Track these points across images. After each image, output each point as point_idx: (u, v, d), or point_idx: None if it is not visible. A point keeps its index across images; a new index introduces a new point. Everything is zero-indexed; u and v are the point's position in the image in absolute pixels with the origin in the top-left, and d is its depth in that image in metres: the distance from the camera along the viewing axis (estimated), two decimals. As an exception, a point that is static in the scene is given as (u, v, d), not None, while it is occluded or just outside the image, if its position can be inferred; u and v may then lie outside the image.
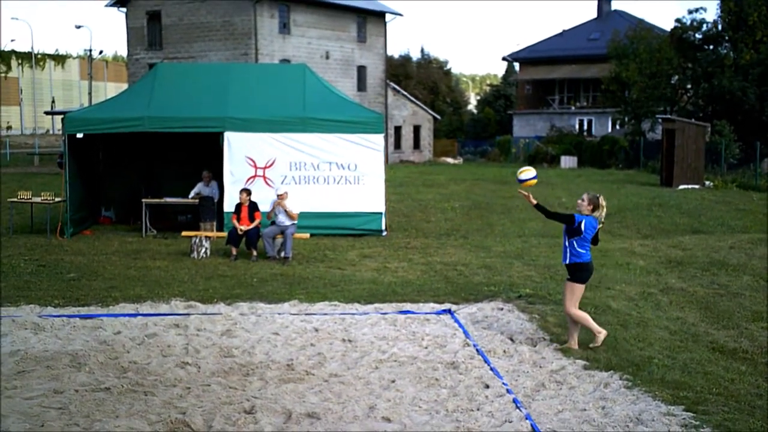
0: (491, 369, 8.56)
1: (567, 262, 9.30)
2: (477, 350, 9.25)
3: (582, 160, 49.80)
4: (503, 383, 8.09)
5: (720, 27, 45.64)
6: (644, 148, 45.68)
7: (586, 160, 49.52)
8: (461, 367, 8.60)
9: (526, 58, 65.48)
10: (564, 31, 67.03)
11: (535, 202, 9.45)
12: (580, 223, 9.10)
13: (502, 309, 11.28)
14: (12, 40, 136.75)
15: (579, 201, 9.28)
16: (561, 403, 7.58)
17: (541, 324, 10.47)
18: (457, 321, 10.59)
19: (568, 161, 49.77)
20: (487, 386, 8.02)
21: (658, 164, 36.82)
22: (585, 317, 9.40)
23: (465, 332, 10.01)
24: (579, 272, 9.24)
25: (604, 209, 9.28)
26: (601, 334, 9.35)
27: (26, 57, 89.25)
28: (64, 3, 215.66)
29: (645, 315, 11.08)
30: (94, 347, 9.21)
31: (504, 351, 9.25)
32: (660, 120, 39.57)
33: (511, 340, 9.72)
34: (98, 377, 8.17)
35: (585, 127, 61.03)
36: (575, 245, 9.16)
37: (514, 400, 7.61)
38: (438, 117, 65.30)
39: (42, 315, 10.63)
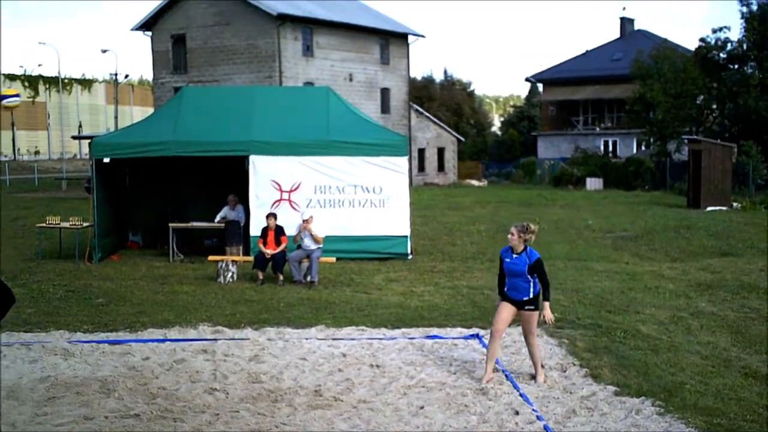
0: (521, 395, 8.50)
1: (532, 296, 8.95)
2: (506, 376, 9.19)
3: (608, 181, 49.53)
4: (533, 410, 8.03)
5: (745, 46, 45.39)
6: (670, 169, 45.40)
7: (612, 181, 49.24)
8: (490, 393, 8.55)
9: (550, 78, 65.44)
10: (587, 51, 66.98)
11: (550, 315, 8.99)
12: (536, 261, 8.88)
13: (530, 334, 11.19)
14: (39, 65, 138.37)
15: (509, 236, 8.99)
16: (593, 430, 7.50)
17: (570, 349, 10.38)
18: (485, 346, 10.49)
19: (593, 183, 49.55)
20: (517, 413, 7.96)
21: (685, 185, 36.56)
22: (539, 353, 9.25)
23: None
24: (537, 300, 9.00)
25: (534, 235, 9.01)
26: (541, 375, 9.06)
27: (53, 81, 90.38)
28: (90, 27, 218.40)
29: (676, 339, 10.96)
30: (123, 373, 9.25)
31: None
32: (686, 141, 39.35)
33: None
34: (127, 403, 8.20)
35: (610, 148, 60.81)
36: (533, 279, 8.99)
37: (545, 427, 7.54)
38: (462, 139, 65.27)
39: (71, 341, 10.69)
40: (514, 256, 8.94)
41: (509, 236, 8.92)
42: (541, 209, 32.75)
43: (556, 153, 60.88)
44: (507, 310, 9.05)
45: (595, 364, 9.59)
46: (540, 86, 70.51)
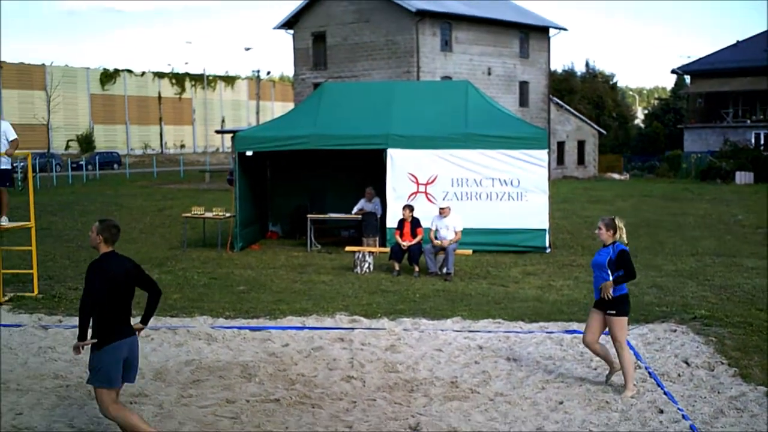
0: (665, 393, 8.17)
1: (617, 294, 8.21)
2: (650, 373, 8.85)
3: (759, 176, 47.26)
4: (678, 408, 7.70)
5: None
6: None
7: (764, 176, 46.95)
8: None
9: (698, 70, 62.90)
10: (738, 42, 64.05)
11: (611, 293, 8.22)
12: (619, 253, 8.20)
13: (675, 331, 10.77)
14: (186, 63, 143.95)
15: (596, 231, 8.36)
16: (742, 431, 7.12)
17: (718, 348, 9.91)
18: (627, 342, 10.16)
19: (743, 177, 47.40)
20: (662, 411, 7.65)
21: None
22: (631, 360, 8.45)
23: (636, 354, 9.61)
24: (623, 304, 8.27)
25: (623, 231, 8.34)
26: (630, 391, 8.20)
27: (199, 79, 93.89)
28: (234, 27, 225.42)
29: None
30: (264, 359, 9.44)
31: (678, 375, 8.82)
32: None
33: (686, 363, 9.25)
34: (268, 388, 8.36)
35: (762, 141, 57.96)
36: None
37: (692, 427, 7.22)
38: (603, 132, 63.76)
39: (214, 326, 11.00)
40: (602, 249, 8.33)
41: (597, 231, 8.34)
42: (687, 203, 31.61)
43: (704, 146, 58.52)
44: (593, 317, 8.41)
45: (744, 363, 9.13)
46: (687, 78, 67.92)
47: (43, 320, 11.35)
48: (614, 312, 8.21)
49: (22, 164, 37.02)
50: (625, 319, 8.30)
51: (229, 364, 9.17)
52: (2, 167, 12.91)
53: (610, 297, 8.16)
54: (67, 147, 78.29)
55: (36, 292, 13.03)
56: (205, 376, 8.75)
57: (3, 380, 8.53)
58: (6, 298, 12.48)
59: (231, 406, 7.82)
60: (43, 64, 79.70)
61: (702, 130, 61.00)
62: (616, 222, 8.29)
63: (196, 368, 9.04)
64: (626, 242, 8.36)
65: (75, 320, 11.33)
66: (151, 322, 11.09)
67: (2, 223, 12.73)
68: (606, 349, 8.54)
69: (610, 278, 8.14)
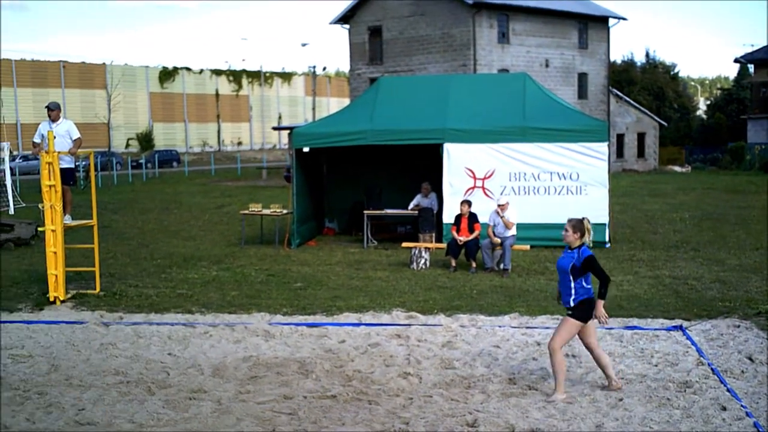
0: (728, 390, 7.98)
1: (578, 300, 7.87)
2: (712, 369, 8.66)
3: (826, 167, 46.08)
4: (742, 405, 7.51)
5: None
6: None
7: (830, 166, 45.76)
8: (695, 386, 8.09)
9: (762, 59, 61.37)
10: (803, 29, 62.44)
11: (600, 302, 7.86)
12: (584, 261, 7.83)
13: (738, 326, 10.51)
14: (243, 60, 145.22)
15: (563, 232, 7.95)
16: (811, 431, 6.93)
17: (784, 344, 9.67)
18: (689, 338, 9.98)
19: (809, 168, 46.22)
20: (725, 408, 7.48)
21: None
22: (562, 367, 7.97)
23: (698, 350, 9.42)
24: (585, 309, 7.88)
25: (591, 233, 7.96)
26: (562, 395, 7.87)
27: (255, 75, 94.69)
28: (290, 22, 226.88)
29: None
30: (321, 355, 9.46)
31: (742, 371, 8.61)
32: None
33: (750, 359, 9.02)
34: (325, 384, 8.37)
35: (829, 131, 56.41)
36: (583, 282, 7.90)
37: (755, 424, 7.04)
38: (664, 123, 62.72)
39: (272, 322, 11.06)
40: (568, 252, 7.97)
41: (563, 232, 7.93)
42: (750, 196, 30.92)
43: (768, 137, 57.22)
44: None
45: (812, 360, 8.87)
46: (751, 67, 66.41)
47: (104, 317, 11.53)
48: (571, 313, 7.90)
49: (84, 163, 37.85)
50: (578, 324, 7.90)
51: (286, 361, 9.21)
52: (66, 166, 13.16)
53: (605, 321, 7.91)
54: (127, 145, 79.63)
55: (98, 289, 13.25)
56: (263, 373, 8.80)
57: (66, 376, 8.70)
58: (69, 296, 12.71)
59: (288, 402, 7.85)
60: (104, 63, 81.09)
61: (766, 120, 59.55)
62: (585, 223, 7.93)
63: (254, 364, 9.09)
64: (591, 244, 8.00)
65: (136, 317, 11.53)
66: (210, 318, 11.28)
67: (66, 222, 12.97)
68: (605, 359, 8.23)
69: (573, 288, 7.81)
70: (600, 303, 7.84)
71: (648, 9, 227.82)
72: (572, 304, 7.89)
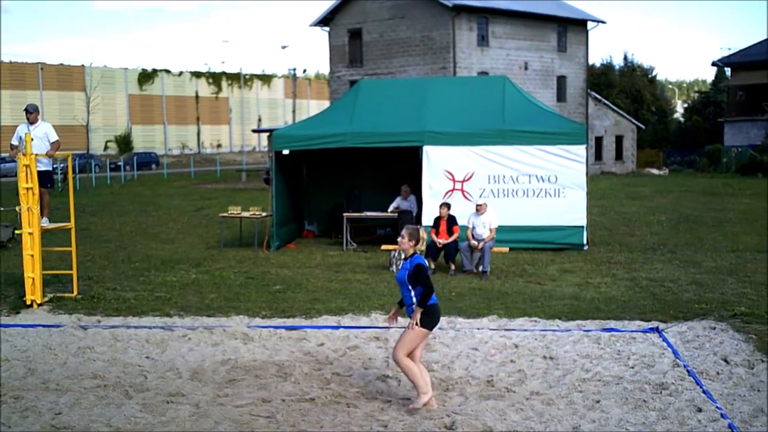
0: (704, 392, 8.05)
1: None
2: (688, 371, 8.73)
3: (801, 170, 46.48)
4: (717, 407, 7.59)
5: None
6: None
7: (806, 169, 46.16)
8: (671, 388, 8.15)
9: (739, 62, 61.96)
10: (780, 32, 63.02)
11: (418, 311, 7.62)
12: (424, 265, 7.72)
13: (714, 328, 10.61)
14: (222, 62, 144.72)
15: (399, 239, 7.84)
16: (784, 432, 7.00)
17: (758, 345, 9.76)
18: (665, 340, 10.07)
19: (785, 171, 46.62)
20: (700, 410, 7.54)
21: None
22: (415, 371, 7.78)
23: (674, 352, 9.50)
24: (429, 317, 7.69)
25: (424, 242, 7.89)
26: (427, 395, 7.74)
27: (235, 78, 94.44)
28: (270, 25, 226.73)
29: None
30: (299, 358, 9.46)
31: (717, 373, 8.69)
32: None
33: (726, 361, 9.11)
34: (303, 387, 8.38)
35: (804, 134, 56.92)
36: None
37: (730, 425, 7.11)
38: (642, 126, 63.10)
39: (251, 325, 11.04)
40: (403, 261, 7.87)
41: (399, 239, 7.85)
42: (727, 198, 31.17)
43: (745, 140, 57.65)
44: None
45: (786, 362, 8.96)
46: (728, 70, 66.97)
47: (82, 320, 11.47)
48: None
49: (62, 165, 37.57)
50: (424, 331, 7.70)
51: (264, 364, 9.20)
52: (43, 168, 13.09)
53: (416, 324, 7.60)
54: (106, 148, 79.17)
55: (75, 292, 13.18)
56: (241, 376, 8.79)
57: (43, 380, 8.65)
58: (46, 299, 12.64)
59: (267, 405, 7.85)
60: (82, 65, 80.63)
61: (743, 123, 60.12)
62: (420, 232, 7.79)
63: (232, 368, 9.08)
64: (424, 253, 7.86)
65: (114, 320, 11.48)
66: (188, 321, 11.25)
67: (43, 224, 12.90)
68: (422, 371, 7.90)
69: (414, 296, 7.66)
70: (418, 310, 7.60)
71: (626, 12, 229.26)
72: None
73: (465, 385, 8.42)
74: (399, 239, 7.87)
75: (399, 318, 8.11)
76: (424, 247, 7.94)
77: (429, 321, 7.71)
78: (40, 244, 12.53)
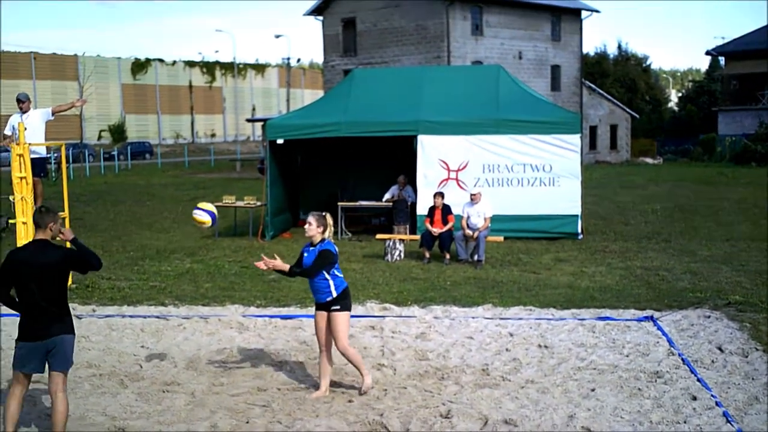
0: (698, 380, 8.07)
1: (336, 294, 7.78)
2: (683, 360, 8.76)
3: (795, 159, 46.57)
4: (712, 395, 7.61)
5: None
6: None
7: (800, 158, 46.25)
8: (666, 377, 8.17)
9: (733, 51, 61.98)
10: (773, 21, 63.02)
11: (285, 267, 7.79)
12: (330, 252, 7.73)
13: (709, 317, 10.63)
14: (216, 51, 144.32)
15: (306, 225, 7.79)
16: (778, 419, 7.03)
17: (753, 333, 9.79)
18: (660, 328, 10.09)
19: (779, 160, 46.72)
20: (695, 398, 7.57)
21: None
22: (359, 357, 8.06)
23: (669, 340, 9.52)
24: (346, 299, 7.84)
25: (332, 229, 7.85)
26: (369, 375, 7.97)
27: (229, 67, 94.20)
28: (264, 14, 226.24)
29: None
30: (295, 347, 9.47)
31: (712, 361, 8.71)
32: None
33: (720, 350, 9.13)
34: (298, 376, 8.39)
35: (798, 123, 57.01)
36: (335, 272, 7.82)
37: (725, 414, 7.13)
38: (636, 116, 63.16)
39: (246, 315, 11.04)
40: (311, 249, 7.81)
41: (306, 225, 7.77)
42: (721, 188, 31.24)
43: (739, 129, 57.73)
44: (321, 319, 7.86)
45: (778, 349, 8.99)
46: (722, 59, 67.02)
47: (76, 310, 11.42)
48: (338, 308, 7.76)
49: (56, 155, 37.48)
50: (347, 313, 7.82)
51: (260, 353, 9.20)
52: (35, 156, 13.05)
53: (268, 267, 7.79)
54: (100, 137, 79.03)
55: (70, 282, 13.13)
56: (237, 365, 8.80)
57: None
58: (41, 288, 12.60)
59: (262, 394, 7.86)
60: (76, 55, 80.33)
61: (737, 112, 60.18)
62: (327, 219, 7.76)
63: (228, 357, 9.09)
64: (331, 239, 7.83)
65: (109, 310, 11.46)
66: (184, 311, 11.23)
67: (36, 214, 12.85)
68: (328, 367, 7.94)
69: (331, 282, 7.73)
70: (285, 267, 7.73)
71: (620, 1, 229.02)
72: (335, 295, 7.76)
73: (460, 373, 8.43)
74: (306, 226, 7.77)
75: (273, 261, 7.91)
76: (329, 235, 7.80)
77: (347, 302, 7.86)
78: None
